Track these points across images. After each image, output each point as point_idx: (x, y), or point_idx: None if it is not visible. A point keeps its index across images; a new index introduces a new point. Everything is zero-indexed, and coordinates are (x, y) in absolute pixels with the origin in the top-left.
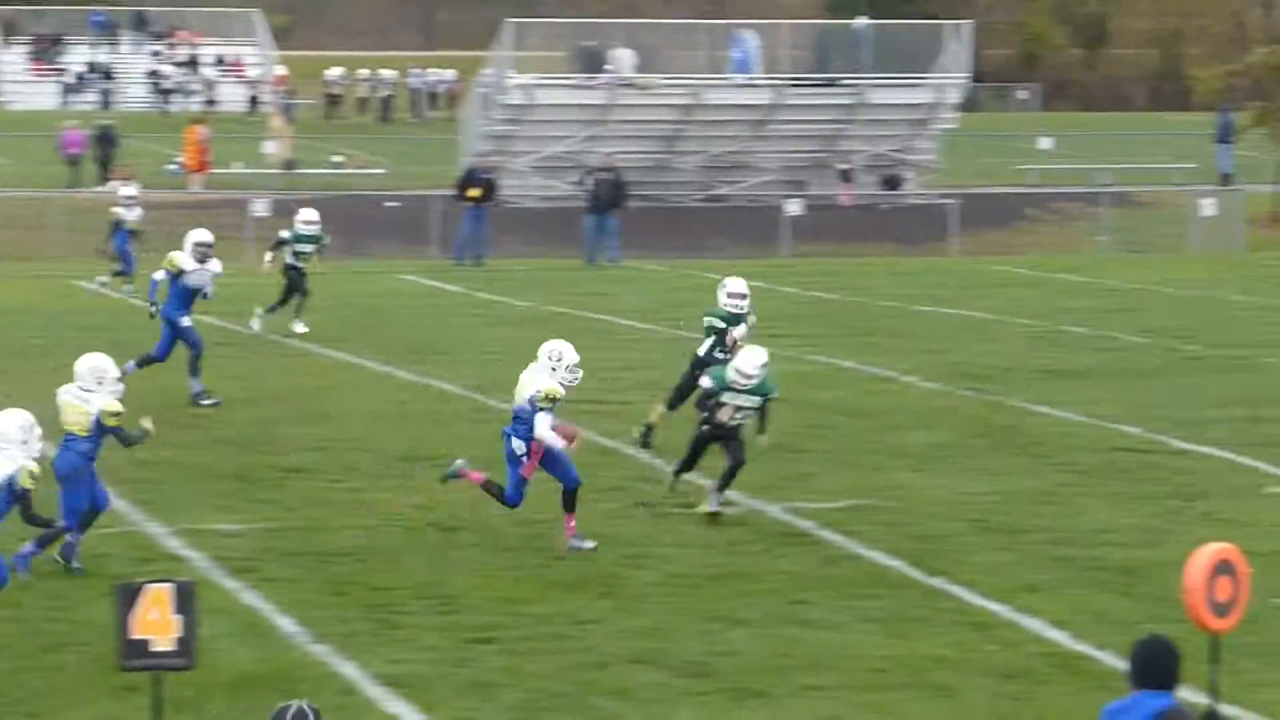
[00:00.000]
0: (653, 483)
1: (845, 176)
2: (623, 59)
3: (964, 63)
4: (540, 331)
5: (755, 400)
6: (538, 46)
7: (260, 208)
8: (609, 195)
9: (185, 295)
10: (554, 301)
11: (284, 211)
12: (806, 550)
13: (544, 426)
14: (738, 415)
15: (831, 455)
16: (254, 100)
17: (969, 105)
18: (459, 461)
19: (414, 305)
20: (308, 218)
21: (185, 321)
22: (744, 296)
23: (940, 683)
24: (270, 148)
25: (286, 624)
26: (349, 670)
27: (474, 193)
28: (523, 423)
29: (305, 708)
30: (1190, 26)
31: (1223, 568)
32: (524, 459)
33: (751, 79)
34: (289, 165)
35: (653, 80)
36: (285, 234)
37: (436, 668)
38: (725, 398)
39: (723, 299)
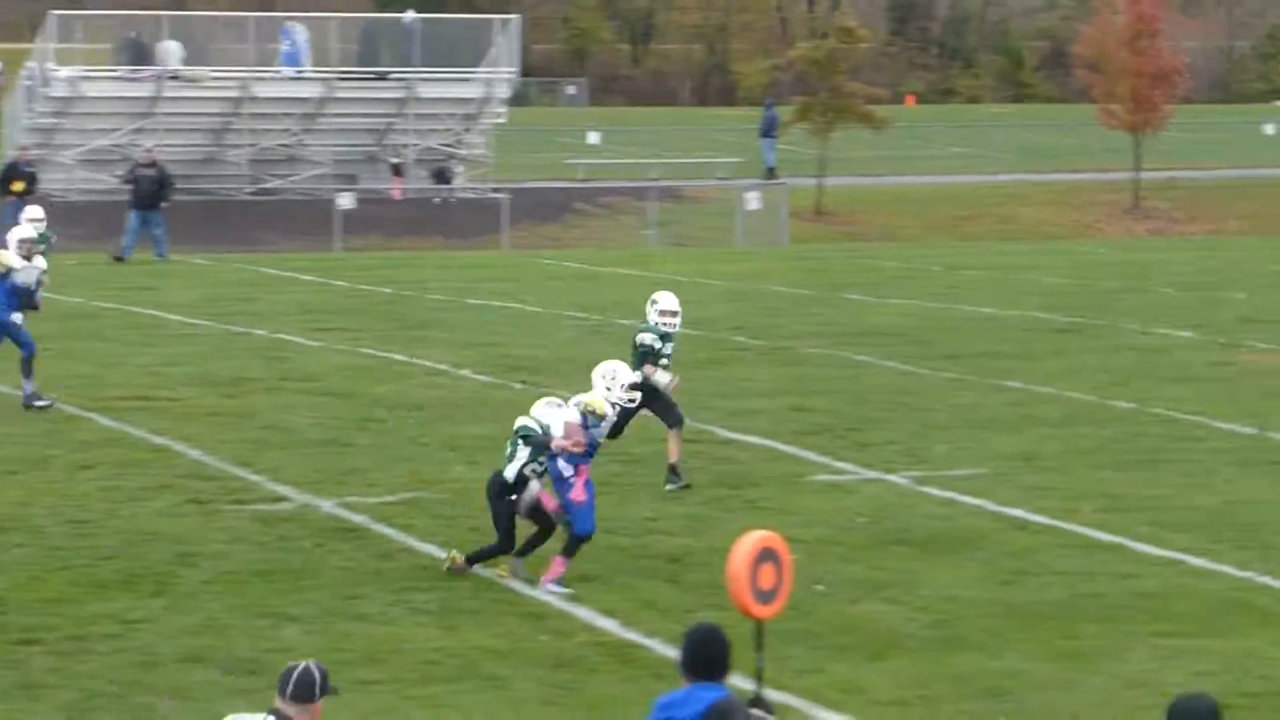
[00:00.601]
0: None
1: (397, 170)
2: (170, 51)
3: (512, 57)
4: (90, 325)
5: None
6: (83, 38)
7: None
8: (151, 190)
9: (14, 294)
10: (101, 296)
11: None
12: (360, 545)
13: (556, 434)
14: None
15: (384, 449)
16: None
17: (518, 100)
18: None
19: None
20: (33, 215)
21: (16, 319)
22: (676, 314)
23: (492, 673)
24: None
25: None
26: None
27: (17, 186)
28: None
29: (313, 666)
30: (735, 22)
31: (766, 555)
32: (571, 480)
33: (301, 72)
34: None
35: (201, 73)
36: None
37: None
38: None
39: (653, 316)
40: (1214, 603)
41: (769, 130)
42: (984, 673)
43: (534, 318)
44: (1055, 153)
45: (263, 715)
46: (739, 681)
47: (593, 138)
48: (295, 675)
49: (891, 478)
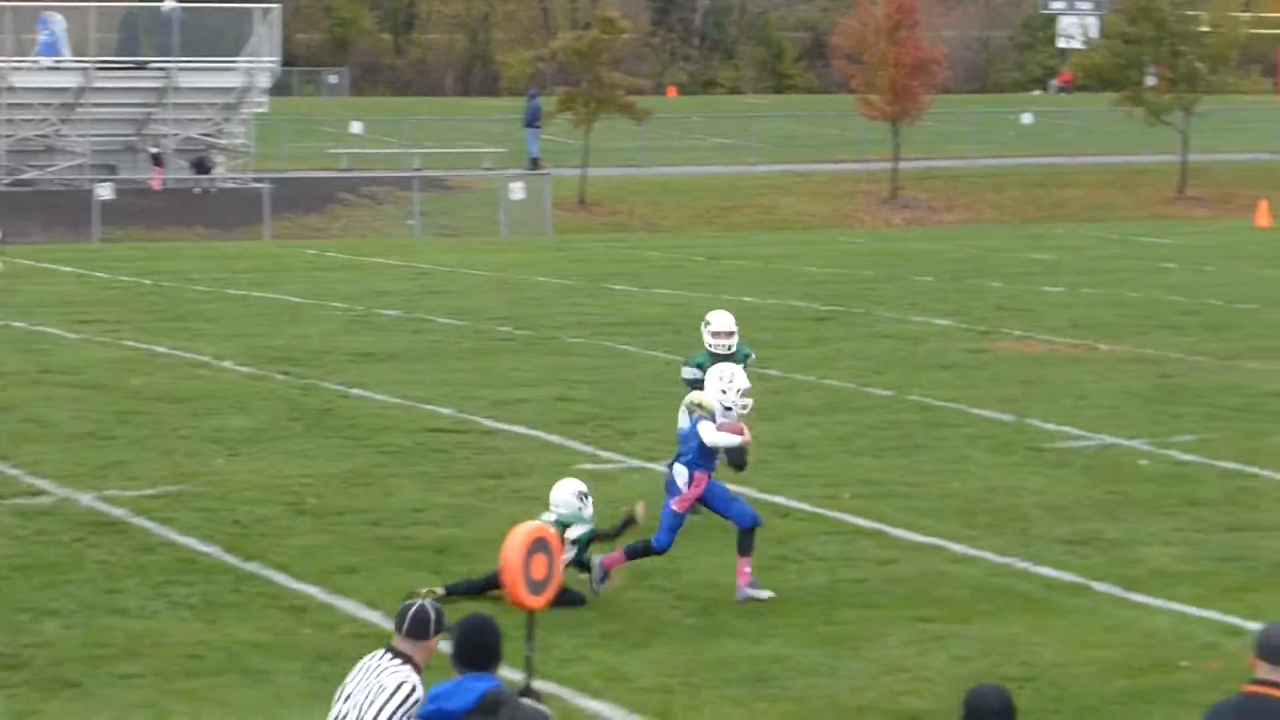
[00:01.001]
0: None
1: (157, 160)
2: None
3: (273, 47)
4: None
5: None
6: None
7: None
8: None
9: None
10: None
11: None
12: (119, 538)
13: (709, 431)
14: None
15: (145, 441)
16: None
17: (279, 89)
18: (596, 561)
19: None
20: None
21: None
22: (731, 334)
23: (255, 667)
24: None
25: None
26: None
27: None
28: (687, 444)
29: (428, 604)
30: (497, 12)
31: (539, 546)
32: (684, 488)
33: (60, 62)
34: None
35: None
36: None
37: None
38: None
39: (706, 338)
40: (973, 588)
41: (532, 120)
42: (746, 658)
43: (296, 308)
44: (815, 143)
45: (381, 652)
46: (507, 672)
47: (356, 127)
48: (411, 613)
49: (655, 466)
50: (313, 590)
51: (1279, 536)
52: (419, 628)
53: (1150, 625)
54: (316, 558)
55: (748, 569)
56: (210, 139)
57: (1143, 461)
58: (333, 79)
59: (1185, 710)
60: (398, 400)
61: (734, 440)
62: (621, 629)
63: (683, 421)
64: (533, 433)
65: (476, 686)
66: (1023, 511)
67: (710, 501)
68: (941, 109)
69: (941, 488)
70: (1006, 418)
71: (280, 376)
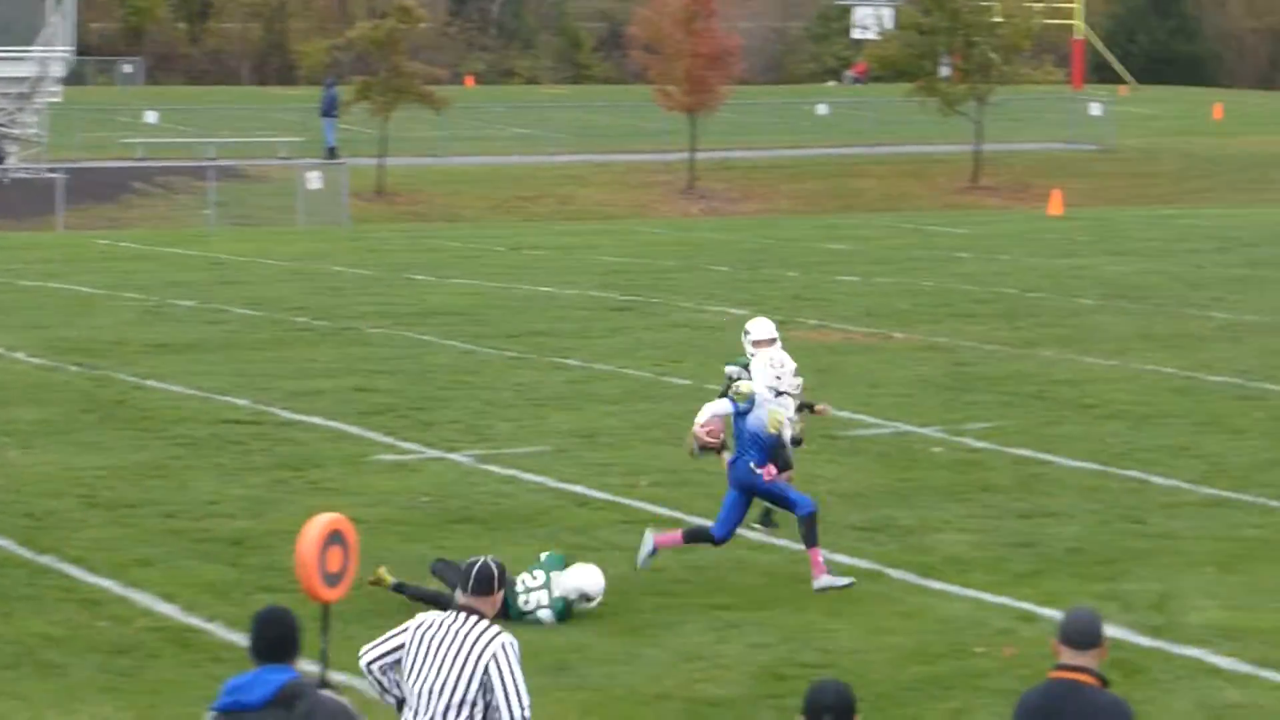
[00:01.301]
0: None
1: None
2: None
3: (67, 35)
4: None
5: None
6: None
7: None
8: None
9: None
10: None
11: None
12: None
13: (708, 409)
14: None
15: None
16: None
17: (74, 78)
18: (647, 536)
19: None
20: None
21: None
22: (773, 341)
23: (49, 661)
24: None
25: None
26: None
27: None
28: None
29: (490, 561)
30: (294, 1)
31: (334, 538)
32: (760, 474)
33: None
34: None
35: None
36: None
37: None
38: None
39: (747, 347)
40: (770, 576)
41: (329, 110)
42: (547, 648)
43: (90, 299)
44: (613, 134)
45: (451, 614)
46: (305, 665)
47: (151, 117)
48: (475, 571)
49: (454, 456)
50: (108, 583)
51: (1071, 523)
52: (484, 584)
53: (945, 612)
54: (111, 550)
55: (820, 558)
56: (3, 129)
57: (936, 449)
58: (128, 68)
59: (980, 696)
60: (193, 391)
61: (702, 439)
62: None
63: (753, 420)
64: (330, 423)
65: (274, 679)
66: (818, 499)
67: (769, 491)
68: (738, 100)
69: None
70: None
71: (73, 368)
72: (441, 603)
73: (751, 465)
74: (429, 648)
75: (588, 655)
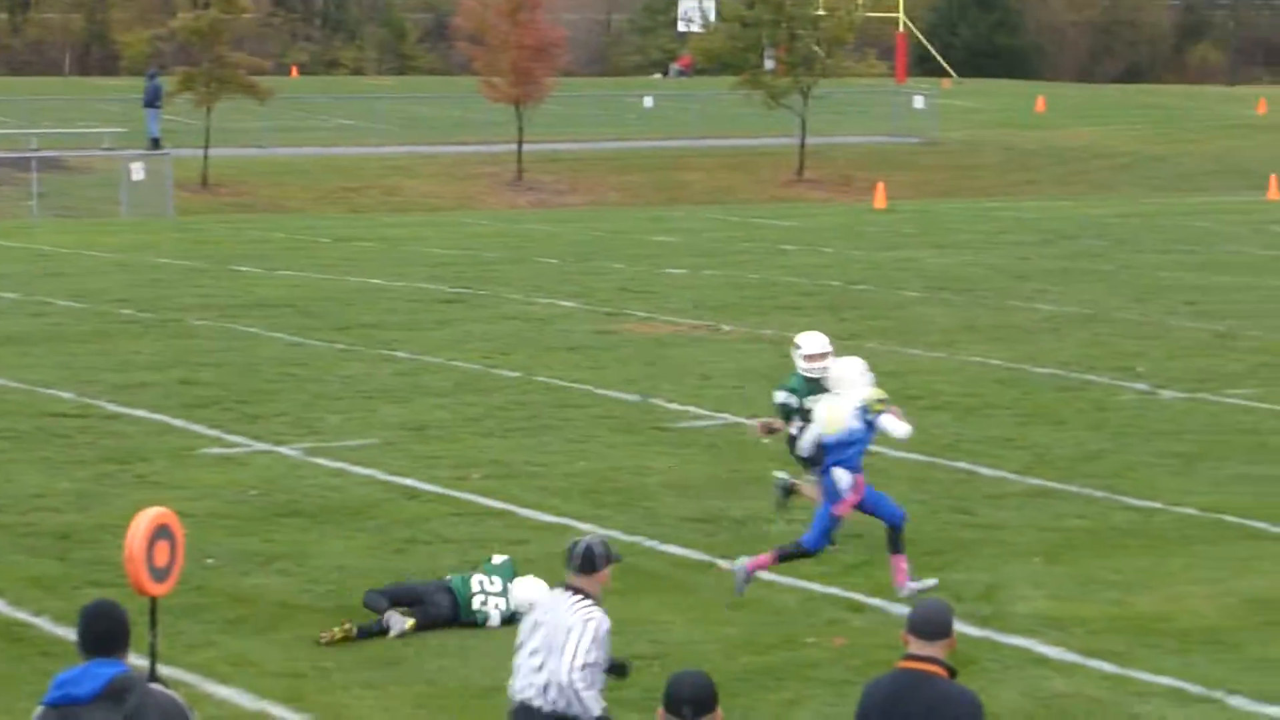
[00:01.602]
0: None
1: None
2: None
3: None
4: None
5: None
6: None
7: None
8: None
9: None
10: None
11: None
12: None
13: (895, 424)
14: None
15: None
16: None
17: None
18: (741, 561)
19: None
20: None
21: None
22: (826, 354)
23: None
24: None
25: None
26: None
27: None
28: (851, 446)
29: (594, 541)
30: None
31: (161, 532)
32: (846, 493)
33: None
34: None
35: None
36: None
37: None
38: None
39: (799, 363)
40: None
41: (152, 100)
42: (379, 643)
43: None
44: (439, 125)
45: (560, 590)
46: (134, 660)
47: None
48: (580, 550)
49: (282, 449)
50: None
51: None
52: (589, 563)
53: (776, 602)
54: None
55: (904, 565)
56: None
57: (765, 441)
58: None
59: (811, 686)
60: (16, 384)
61: (904, 428)
62: (250, 614)
63: (841, 428)
64: (156, 416)
65: (103, 672)
66: (649, 491)
67: (862, 503)
68: (564, 92)
69: (568, 468)
70: (632, 398)
71: None
72: (413, 595)
73: (834, 479)
74: (538, 615)
75: (420, 649)
